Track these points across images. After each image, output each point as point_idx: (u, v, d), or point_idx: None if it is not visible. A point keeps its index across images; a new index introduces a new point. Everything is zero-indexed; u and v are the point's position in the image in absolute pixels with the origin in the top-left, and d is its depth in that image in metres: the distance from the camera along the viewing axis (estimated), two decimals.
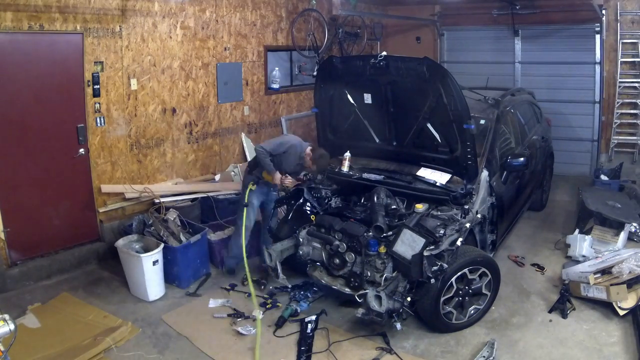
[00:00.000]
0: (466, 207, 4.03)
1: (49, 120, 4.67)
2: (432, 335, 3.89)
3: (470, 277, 3.88)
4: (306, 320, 3.94)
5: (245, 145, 6.60)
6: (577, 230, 5.25)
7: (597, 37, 7.43)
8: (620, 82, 7.36)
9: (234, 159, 6.55)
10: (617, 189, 6.48)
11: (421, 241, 3.60)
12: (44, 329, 3.88)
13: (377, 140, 4.69)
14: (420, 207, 4.13)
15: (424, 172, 4.36)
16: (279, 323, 3.95)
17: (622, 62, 7.31)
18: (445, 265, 3.60)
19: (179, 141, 5.82)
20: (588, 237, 4.95)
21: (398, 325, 3.59)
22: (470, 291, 3.92)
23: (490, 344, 3.65)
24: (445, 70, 3.89)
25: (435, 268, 3.57)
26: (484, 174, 4.37)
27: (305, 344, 3.71)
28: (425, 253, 3.56)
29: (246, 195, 4.56)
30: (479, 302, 4.03)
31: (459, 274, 3.80)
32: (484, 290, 4.01)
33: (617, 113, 7.49)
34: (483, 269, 3.95)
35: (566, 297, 4.11)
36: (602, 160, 7.77)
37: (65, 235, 4.93)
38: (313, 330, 3.86)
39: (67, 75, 4.74)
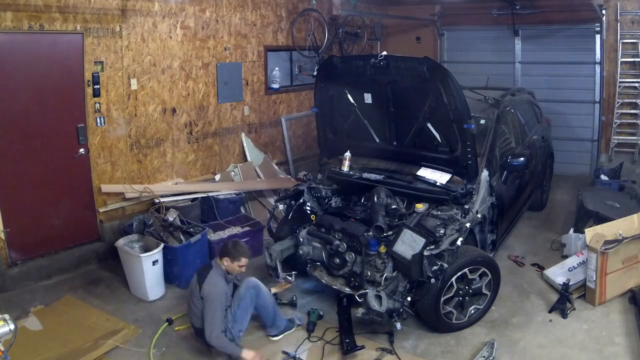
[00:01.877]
0: (466, 206, 4.03)
1: (49, 120, 4.67)
2: (432, 335, 3.89)
3: (470, 277, 3.88)
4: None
5: (245, 145, 6.60)
6: (571, 230, 5.26)
7: (597, 37, 7.43)
8: (620, 82, 7.36)
9: (234, 159, 6.55)
10: (617, 189, 6.48)
11: (421, 241, 3.60)
12: (46, 332, 3.88)
13: (377, 140, 4.69)
14: (420, 206, 4.13)
15: (425, 172, 4.35)
16: (310, 328, 3.94)
17: (622, 62, 7.31)
18: (446, 265, 3.60)
19: (179, 141, 5.82)
20: (582, 236, 4.94)
21: (398, 325, 3.59)
22: (471, 291, 3.92)
23: (490, 344, 3.65)
24: (445, 70, 3.89)
25: (435, 268, 3.57)
26: (484, 173, 4.38)
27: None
28: (426, 253, 3.56)
29: None
30: (479, 302, 4.03)
31: (459, 273, 3.80)
32: (484, 290, 4.01)
33: (617, 113, 7.49)
34: (483, 269, 3.95)
35: (566, 297, 4.11)
36: (602, 160, 7.77)
37: (65, 235, 4.93)
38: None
39: (67, 75, 4.74)
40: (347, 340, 3.66)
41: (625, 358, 3.58)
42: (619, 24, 7.25)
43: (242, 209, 6.00)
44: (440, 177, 4.25)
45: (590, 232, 4.26)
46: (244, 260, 3.60)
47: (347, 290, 4.00)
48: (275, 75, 6.99)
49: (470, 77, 6.84)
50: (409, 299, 3.58)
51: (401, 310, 3.57)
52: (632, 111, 7.44)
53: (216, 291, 3.46)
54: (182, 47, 5.67)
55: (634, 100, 7.39)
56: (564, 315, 4.08)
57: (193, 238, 4.70)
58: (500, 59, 8.23)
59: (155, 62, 5.41)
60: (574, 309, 4.16)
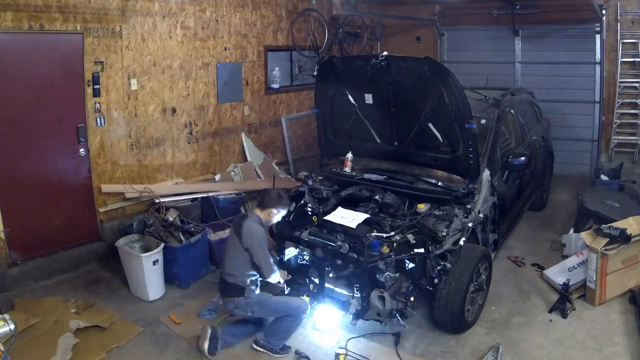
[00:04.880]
0: (468, 206, 4.03)
1: (49, 120, 4.67)
2: (432, 335, 3.90)
3: (481, 271, 3.91)
4: None
5: (245, 145, 6.60)
6: (572, 230, 5.26)
7: (597, 37, 7.43)
8: (620, 82, 7.37)
9: (234, 159, 6.55)
10: (617, 189, 6.48)
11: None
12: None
13: (379, 141, 4.68)
14: (422, 207, 4.12)
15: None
16: None
17: (622, 62, 7.32)
18: (449, 265, 3.60)
19: (179, 141, 5.82)
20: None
21: (402, 324, 3.59)
22: (477, 286, 3.95)
23: (495, 349, 3.62)
24: (446, 70, 3.89)
25: (438, 268, 3.57)
26: (486, 173, 4.37)
27: None
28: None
29: None
30: (481, 298, 4.07)
31: (477, 268, 3.84)
32: (484, 285, 4.05)
33: (617, 113, 7.50)
34: (487, 263, 4.00)
35: (566, 297, 4.12)
36: (602, 160, 7.77)
37: (65, 235, 4.93)
38: None
39: (67, 75, 4.73)
40: None
41: (625, 358, 3.59)
42: (619, 24, 7.26)
43: (242, 209, 6.00)
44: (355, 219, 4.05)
45: (587, 235, 4.27)
46: (274, 211, 3.72)
47: (350, 292, 3.98)
48: (275, 75, 6.99)
49: (470, 77, 6.81)
50: (412, 299, 3.58)
51: (404, 310, 3.57)
52: (632, 111, 7.46)
53: (260, 234, 3.59)
54: (182, 47, 5.66)
55: (634, 100, 7.40)
56: (564, 315, 4.09)
57: (193, 238, 4.70)
58: (500, 59, 8.23)
59: (155, 62, 5.40)
60: (574, 309, 4.16)
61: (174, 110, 5.71)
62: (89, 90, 4.88)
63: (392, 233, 3.85)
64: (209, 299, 4.40)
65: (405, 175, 4.50)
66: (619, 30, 7.27)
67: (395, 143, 4.58)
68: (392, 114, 4.40)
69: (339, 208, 4.22)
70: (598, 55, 7.50)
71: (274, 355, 3.65)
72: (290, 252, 4.12)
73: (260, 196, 3.81)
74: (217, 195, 5.68)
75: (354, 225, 3.89)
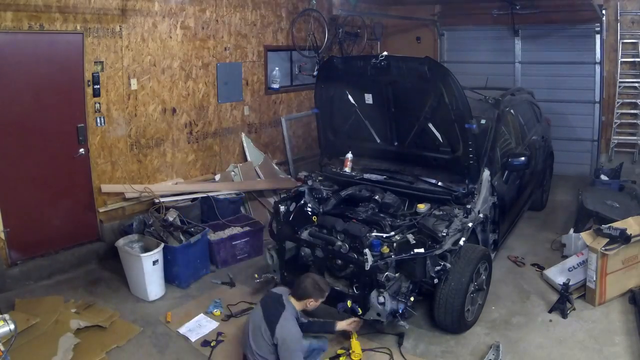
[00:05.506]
0: (468, 206, 4.03)
1: (49, 120, 4.67)
2: (432, 335, 3.90)
3: (481, 271, 3.92)
4: None
5: (245, 145, 6.60)
6: (572, 230, 5.26)
7: (597, 37, 7.43)
8: (620, 82, 7.37)
9: (234, 159, 6.55)
10: (617, 189, 6.48)
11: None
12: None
13: (379, 141, 4.69)
14: (422, 207, 4.13)
15: None
16: None
17: (622, 62, 7.32)
18: (449, 265, 3.60)
19: (179, 141, 5.82)
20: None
21: (403, 325, 3.59)
22: (477, 287, 3.96)
23: (495, 347, 3.63)
24: (446, 70, 3.89)
25: (438, 268, 3.57)
26: (486, 173, 4.38)
27: None
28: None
29: None
30: (481, 298, 4.08)
31: (477, 268, 3.85)
32: (483, 285, 4.05)
33: (617, 113, 7.50)
34: (487, 264, 4.01)
35: (566, 297, 4.12)
36: (602, 160, 7.77)
37: (65, 235, 4.93)
38: None
39: (67, 75, 4.73)
40: None
41: (625, 358, 3.59)
42: (619, 24, 7.26)
43: (242, 209, 6.00)
44: None
45: (587, 235, 4.27)
46: (312, 302, 3.35)
47: (350, 291, 3.99)
48: (275, 75, 6.99)
49: (470, 77, 6.80)
50: (412, 299, 3.59)
51: (404, 310, 3.57)
52: (632, 111, 7.46)
53: (295, 338, 3.15)
54: (182, 47, 5.66)
55: (634, 100, 7.40)
56: (564, 315, 4.09)
57: (193, 238, 4.70)
58: (500, 59, 8.23)
59: (155, 62, 5.40)
60: (574, 309, 4.17)
61: (174, 110, 5.71)
62: (89, 90, 4.88)
63: (392, 233, 3.85)
64: (209, 298, 4.40)
65: (405, 175, 4.50)
66: (619, 30, 7.27)
67: (395, 143, 4.58)
68: (392, 114, 4.40)
69: None
70: (598, 55, 7.49)
71: None
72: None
73: (297, 284, 3.36)
74: (217, 195, 5.68)
75: None
